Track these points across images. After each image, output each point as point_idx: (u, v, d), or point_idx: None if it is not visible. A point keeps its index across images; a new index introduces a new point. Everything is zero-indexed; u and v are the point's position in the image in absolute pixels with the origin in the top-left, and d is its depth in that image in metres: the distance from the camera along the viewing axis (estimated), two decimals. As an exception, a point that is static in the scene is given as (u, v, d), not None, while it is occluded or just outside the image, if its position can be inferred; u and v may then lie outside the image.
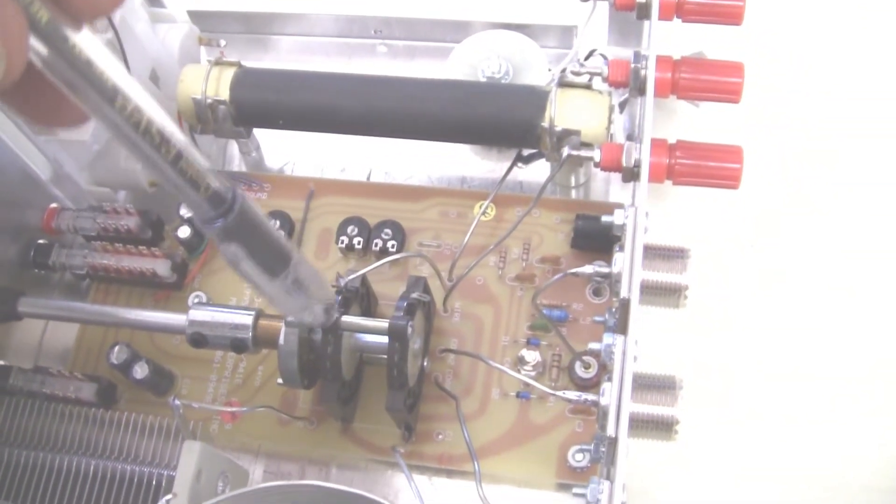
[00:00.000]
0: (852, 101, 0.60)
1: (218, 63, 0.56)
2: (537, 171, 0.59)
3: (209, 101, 0.55)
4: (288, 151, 0.63)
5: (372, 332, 0.49)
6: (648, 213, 0.44)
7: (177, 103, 0.57)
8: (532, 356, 0.53)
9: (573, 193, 0.60)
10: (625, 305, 0.43)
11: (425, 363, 0.53)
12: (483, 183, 0.61)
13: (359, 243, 0.56)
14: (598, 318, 0.49)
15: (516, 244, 0.56)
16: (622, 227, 0.45)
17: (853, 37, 0.62)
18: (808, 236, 0.57)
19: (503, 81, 0.59)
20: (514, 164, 0.56)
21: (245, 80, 0.56)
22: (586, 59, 0.58)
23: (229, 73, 0.56)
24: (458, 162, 0.62)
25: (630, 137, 0.54)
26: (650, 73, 0.48)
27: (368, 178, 0.62)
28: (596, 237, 0.54)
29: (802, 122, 0.60)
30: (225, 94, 0.56)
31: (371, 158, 0.62)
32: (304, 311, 0.41)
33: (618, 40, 0.61)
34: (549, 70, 0.59)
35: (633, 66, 0.50)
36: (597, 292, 0.54)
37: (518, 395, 0.53)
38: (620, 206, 0.55)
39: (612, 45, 0.61)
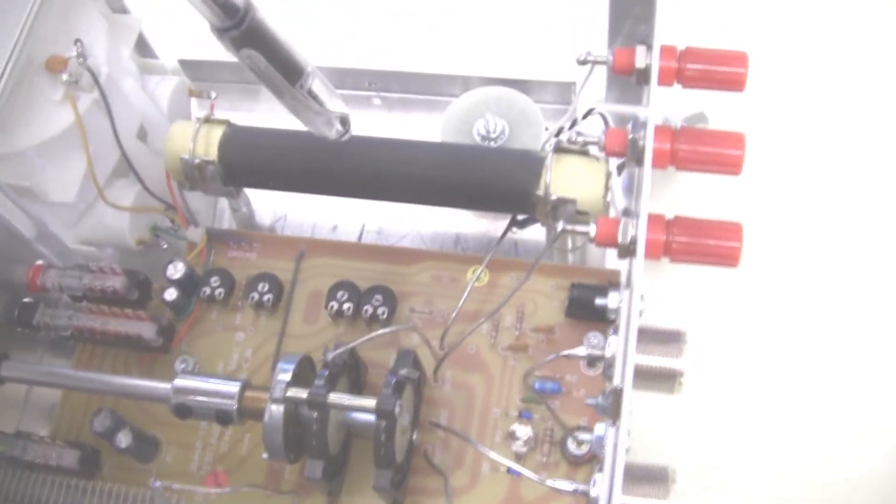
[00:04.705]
0: (856, 165, 0.59)
1: (207, 121, 0.55)
2: (533, 231, 0.58)
3: (197, 160, 0.54)
4: (279, 207, 0.62)
5: (359, 411, 0.48)
6: (644, 295, 0.43)
7: (165, 161, 0.55)
8: (524, 431, 0.51)
9: (569, 257, 0.59)
10: (617, 394, 0.42)
11: (414, 436, 0.51)
12: (477, 243, 0.60)
13: (349, 309, 0.54)
14: (590, 401, 0.48)
15: (510, 311, 0.55)
16: (616, 310, 0.44)
17: (857, 100, 0.61)
18: (810, 312, 0.56)
19: (499, 140, 0.58)
20: (508, 229, 0.55)
21: (234, 139, 0.55)
22: (584, 117, 0.57)
23: (218, 132, 0.55)
24: (452, 221, 0.61)
25: (627, 211, 0.52)
26: (648, 145, 0.47)
27: (361, 236, 0.61)
28: (591, 307, 0.53)
29: (804, 193, 0.58)
30: (213, 154, 0.54)
31: (364, 216, 0.61)
32: (326, 124, 0.45)
33: (617, 97, 0.60)
34: (547, 129, 0.58)
35: (630, 136, 0.49)
36: (591, 363, 0.53)
37: (508, 471, 0.51)
38: (616, 273, 0.55)
39: (610, 103, 0.60)
